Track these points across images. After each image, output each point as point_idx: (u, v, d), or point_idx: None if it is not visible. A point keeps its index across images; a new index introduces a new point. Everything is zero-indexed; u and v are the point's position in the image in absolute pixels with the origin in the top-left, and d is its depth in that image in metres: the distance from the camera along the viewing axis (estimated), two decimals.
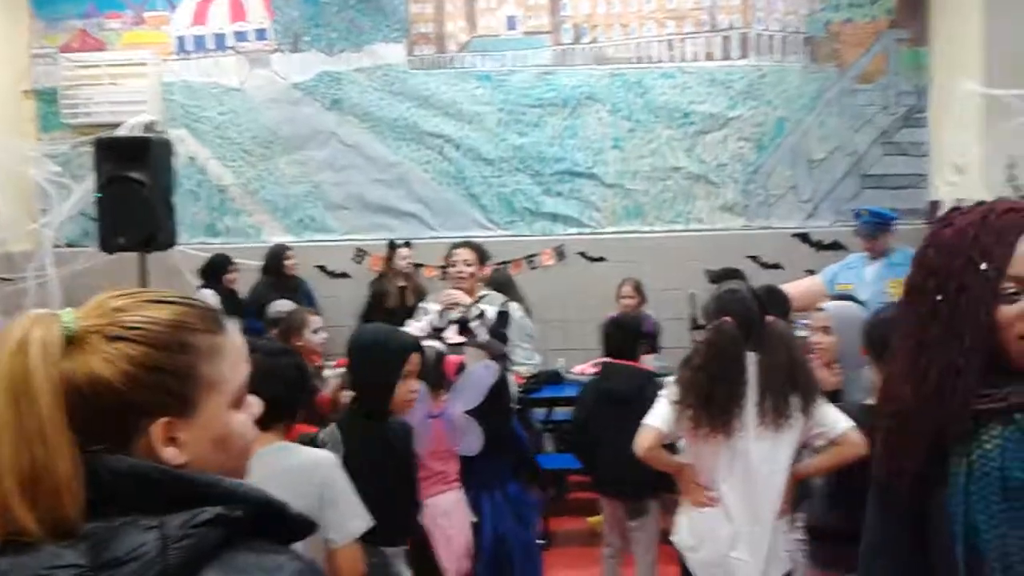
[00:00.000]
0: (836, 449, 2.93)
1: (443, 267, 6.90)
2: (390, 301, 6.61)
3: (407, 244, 6.79)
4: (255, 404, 1.14)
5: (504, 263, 6.53)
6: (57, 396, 0.96)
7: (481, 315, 4.57)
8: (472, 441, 3.67)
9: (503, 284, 5.81)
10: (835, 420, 2.92)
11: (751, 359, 3.02)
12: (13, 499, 0.93)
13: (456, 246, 4.80)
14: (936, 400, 1.31)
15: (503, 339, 4.73)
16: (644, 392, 4.12)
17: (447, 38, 7.10)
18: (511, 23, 7.07)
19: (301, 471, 2.39)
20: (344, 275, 7.04)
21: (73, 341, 0.99)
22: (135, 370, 1.00)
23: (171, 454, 1.01)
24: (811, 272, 6.19)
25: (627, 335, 4.37)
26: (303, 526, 1.06)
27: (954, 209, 1.43)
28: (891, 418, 1.39)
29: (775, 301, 3.78)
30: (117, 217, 5.36)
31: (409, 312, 6.28)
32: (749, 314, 3.10)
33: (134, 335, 1.01)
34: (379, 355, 2.97)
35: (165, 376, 1.01)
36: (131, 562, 0.90)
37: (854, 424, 2.90)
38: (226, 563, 0.95)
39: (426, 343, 4.13)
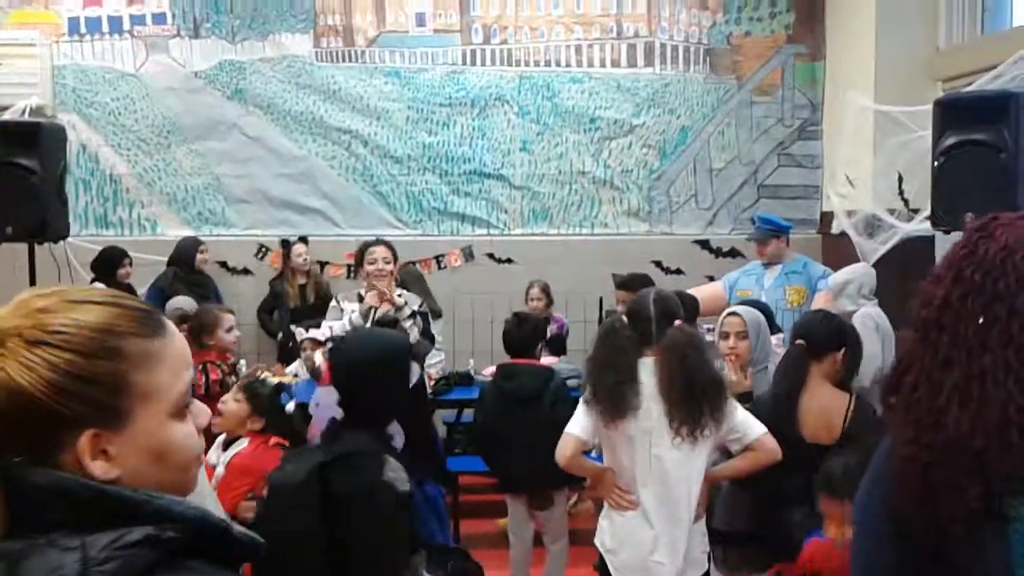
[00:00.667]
0: (751, 454, 3.02)
1: (350, 265, 6.85)
2: (291, 300, 6.50)
3: (303, 240, 6.66)
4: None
5: (412, 263, 6.47)
6: None
7: (414, 314, 4.54)
8: (394, 442, 3.63)
9: (414, 281, 5.79)
10: (749, 425, 3.01)
11: (647, 362, 3.08)
12: None
13: (370, 244, 4.72)
14: (1001, 437, 1.17)
15: (431, 339, 4.71)
16: (546, 389, 4.19)
17: (355, 31, 6.99)
18: (420, 20, 7.02)
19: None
20: (246, 271, 6.86)
21: None
22: (58, 378, 0.92)
23: (100, 468, 0.93)
24: (711, 278, 6.40)
25: (526, 333, 4.39)
26: (248, 548, 0.99)
27: (993, 218, 1.28)
28: (940, 452, 1.21)
29: (684, 307, 3.87)
30: (4, 205, 5.08)
31: (313, 310, 6.20)
32: (642, 316, 3.16)
33: (58, 340, 0.93)
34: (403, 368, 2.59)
35: (92, 386, 0.94)
36: None
37: (766, 430, 3.00)
38: None
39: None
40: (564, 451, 3.12)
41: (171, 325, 1.05)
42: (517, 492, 4.31)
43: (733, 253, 6.91)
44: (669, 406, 2.99)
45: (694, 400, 2.96)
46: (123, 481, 0.94)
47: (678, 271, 6.87)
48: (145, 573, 0.88)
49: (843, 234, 6.04)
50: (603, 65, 7.03)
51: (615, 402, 3.04)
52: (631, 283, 5.04)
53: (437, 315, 5.92)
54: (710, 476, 3.10)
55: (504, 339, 4.46)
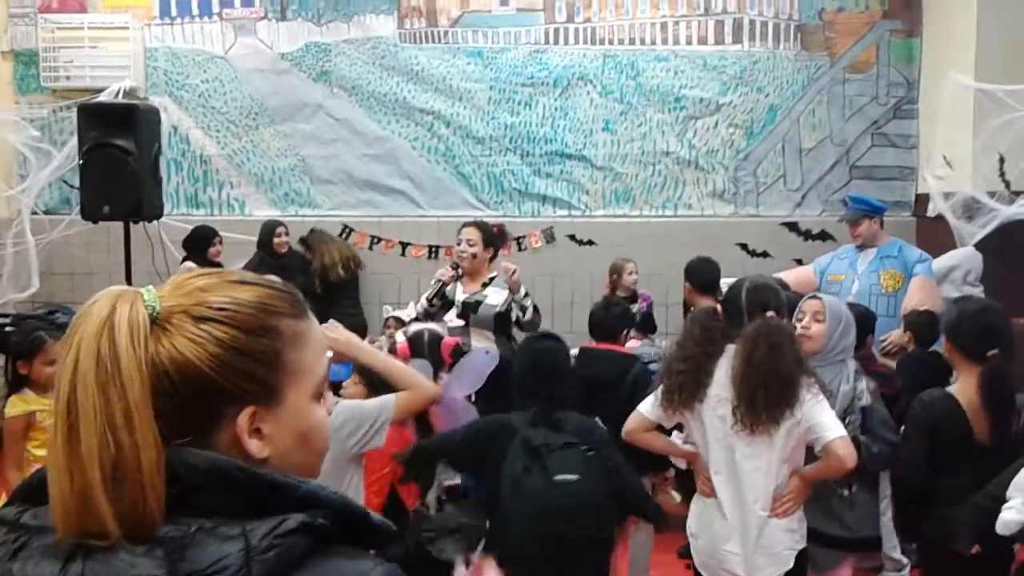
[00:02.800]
0: (821, 461, 2.93)
1: (431, 246, 6.89)
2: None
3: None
4: (331, 399, 1.08)
5: (497, 245, 6.45)
6: (145, 382, 0.89)
7: (474, 303, 4.50)
8: None
9: None
10: (825, 427, 2.88)
11: (731, 350, 3.01)
12: (96, 491, 0.86)
13: (464, 225, 4.70)
14: None
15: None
16: (625, 377, 4.13)
17: (439, 12, 6.99)
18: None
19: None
20: None
21: (157, 322, 0.93)
22: (224, 353, 0.93)
23: (256, 447, 0.95)
24: (799, 261, 6.24)
25: (614, 317, 4.33)
26: (384, 534, 0.99)
27: None
28: None
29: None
30: (101, 186, 5.23)
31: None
32: (735, 305, 3.10)
33: (222, 316, 0.95)
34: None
35: (253, 361, 0.95)
36: (214, 575, 0.85)
37: (844, 433, 2.89)
38: (311, 572, 0.89)
39: (420, 326, 4.10)
40: (626, 426, 3.18)
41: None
42: None
43: (823, 236, 6.72)
44: (735, 399, 2.92)
45: (755, 393, 2.88)
46: (271, 462, 0.96)
47: (764, 254, 6.72)
48: (300, 560, 0.89)
49: (939, 217, 5.82)
50: (689, 43, 6.88)
51: (684, 387, 3.02)
52: (693, 273, 4.94)
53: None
54: (800, 476, 3.02)
55: (590, 322, 4.41)
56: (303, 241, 6.62)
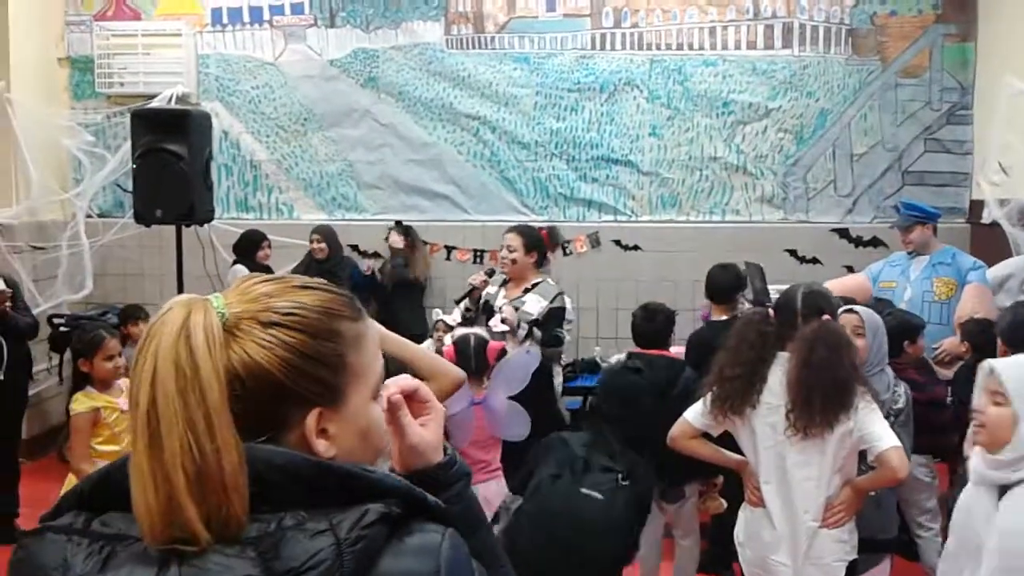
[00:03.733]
0: (877, 472, 2.87)
1: (476, 251, 6.91)
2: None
3: (398, 225, 6.73)
4: (384, 397, 1.12)
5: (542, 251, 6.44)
6: (223, 387, 0.91)
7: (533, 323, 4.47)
8: (519, 428, 3.64)
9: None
10: (878, 436, 2.83)
11: (783, 357, 2.96)
12: (182, 497, 0.88)
13: (508, 230, 4.70)
14: None
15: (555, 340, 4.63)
16: (676, 382, 4.08)
17: (485, 18, 7.01)
18: (550, 4, 6.97)
19: None
20: (376, 255, 6.98)
21: (227, 328, 0.96)
22: (292, 357, 0.96)
23: (323, 447, 0.98)
24: (850, 268, 6.16)
25: (657, 327, 4.29)
26: (439, 512, 1.02)
27: None
28: None
29: None
30: (154, 189, 5.33)
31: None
32: (788, 309, 3.06)
33: (289, 321, 0.98)
34: None
35: (319, 364, 0.98)
36: (310, 570, 0.87)
37: (897, 443, 2.83)
38: (392, 554, 0.92)
39: (466, 330, 4.11)
40: (671, 432, 3.16)
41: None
42: None
43: (874, 243, 6.60)
44: (790, 402, 2.87)
45: (811, 398, 2.83)
46: (336, 460, 0.99)
47: (814, 260, 6.62)
48: (382, 547, 0.92)
49: (994, 224, 5.70)
50: (738, 47, 6.82)
51: (734, 394, 2.99)
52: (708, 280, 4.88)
53: None
54: (853, 486, 2.96)
55: (633, 331, 4.38)
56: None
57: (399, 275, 6.49)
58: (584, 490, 2.89)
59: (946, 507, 3.01)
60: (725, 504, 3.92)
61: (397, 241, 6.64)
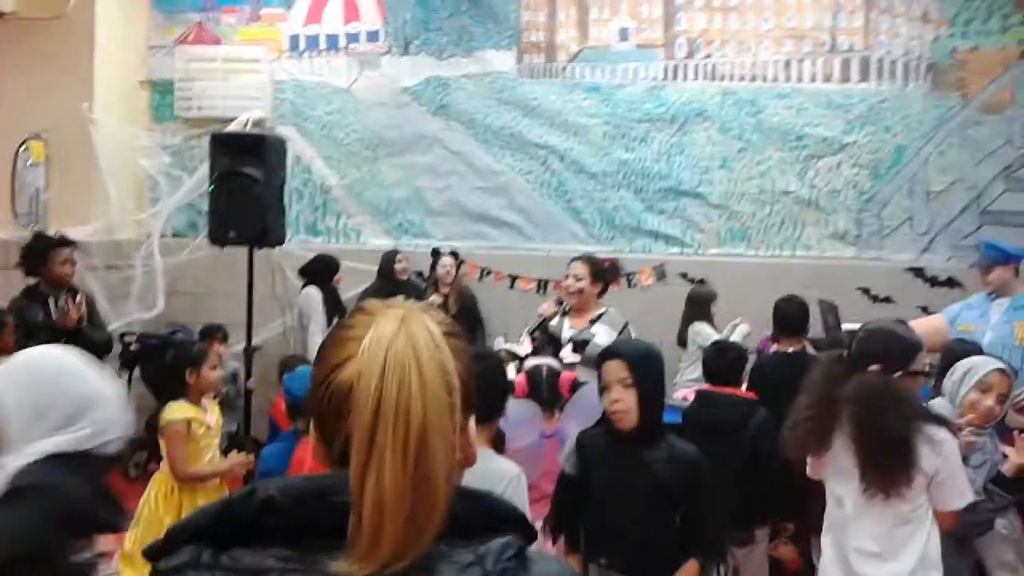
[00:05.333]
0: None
1: (540, 280, 6.88)
2: None
3: (452, 254, 6.66)
4: None
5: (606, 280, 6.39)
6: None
7: (581, 342, 4.43)
8: None
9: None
10: (946, 493, 2.74)
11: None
12: (437, 515, 0.90)
13: (573, 259, 4.66)
14: None
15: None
16: (748, 421, 3.99)
17: (558, 48, 7.03)
18: (623, 35, 6.97)
19: (491, 480, 2.36)
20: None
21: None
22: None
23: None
24: (924, 309, 5.97)
25: (728, 362, 4.21)
26: (535, 535, 1.05)
27: None
28: None
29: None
30: (229, 211, 5.43)
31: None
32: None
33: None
34: None
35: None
36: None
37: (962, 505, 2.72)
38: None
39: (538, 360, 4.06)
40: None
41: None
42: None
43: (951, 283, 6.41)
44: (859, 463, 2.76)
45: (874, 459, 2.72)
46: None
47: (887, 299, 6.45)
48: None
49: None
50: (813, 80, 6.72)
51: (811, 435, 2.88)
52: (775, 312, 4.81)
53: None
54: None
55: (704, 368, 4.31)
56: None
57: (472, 316, 6.53)
58: None
59: None
60: (796, 552, 3.80)
61: (449, 269, 6.55)
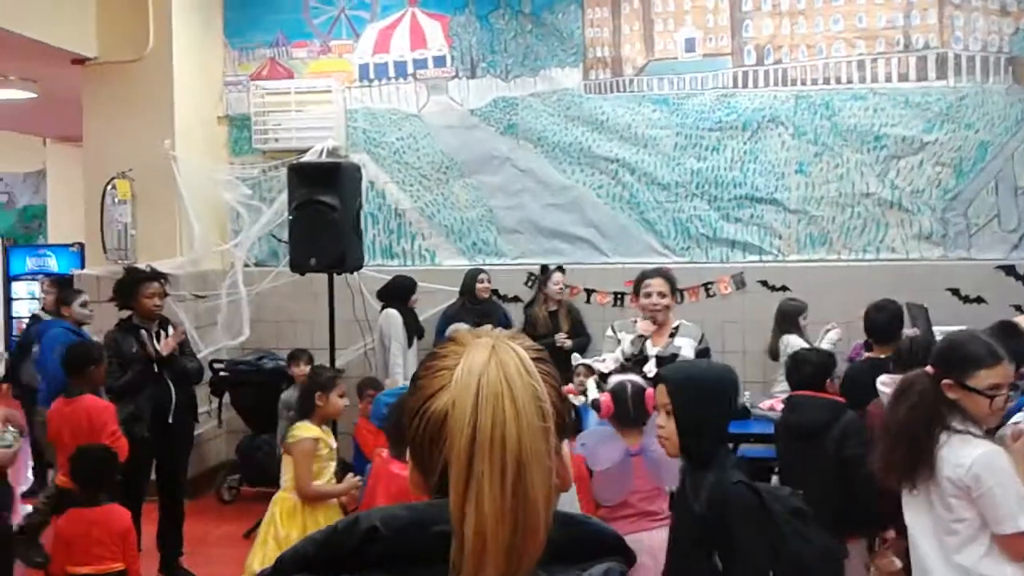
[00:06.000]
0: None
1: (617, 293, 6.84)
2: (539, 327, 6.52)
3: (560, 269, 6.71)
4: None
5: (681, 291, 6.33)
6: (550, 422, 0.96)
7: (670, 356, 4.38)
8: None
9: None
10: (999, 514, 2.54)
11: None
12: (540, 538, 0.90)
13: (647, 275, 4.60)
14: None
15: None
16: (833, 424, 3.90)
17: (624, 62, 7.02)
18: (690, 45, 6.92)
19: None
20: (516, 299, 7.02)
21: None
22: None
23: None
24: (1018, 308, 5.78)
25: (812, 370, 4.14)
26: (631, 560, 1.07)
27: None
28: None
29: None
30: (308, 239, 5.54)
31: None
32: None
33: (545, 355, 1.03)
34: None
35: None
36: None
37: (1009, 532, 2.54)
38: None
39: (623, 376, 4.03)
40: None
41: None
42: None
43: None
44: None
45: (894, 447, 2.70)
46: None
47: (979, 300, 6.25)
48: None
49: None
50: (888, 80, 6.57)
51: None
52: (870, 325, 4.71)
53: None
54: None
55: (787, 378, 4.27)
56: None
57: (582, 332, 6.58)
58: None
59: None
60: (899, 564, 3.67)
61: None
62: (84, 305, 6.11)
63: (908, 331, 4.69)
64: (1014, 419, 2.95)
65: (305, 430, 4.00)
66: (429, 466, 0.96)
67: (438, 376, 0.97)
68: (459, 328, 5.61)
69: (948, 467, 2.57)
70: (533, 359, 0.98)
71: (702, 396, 2.65)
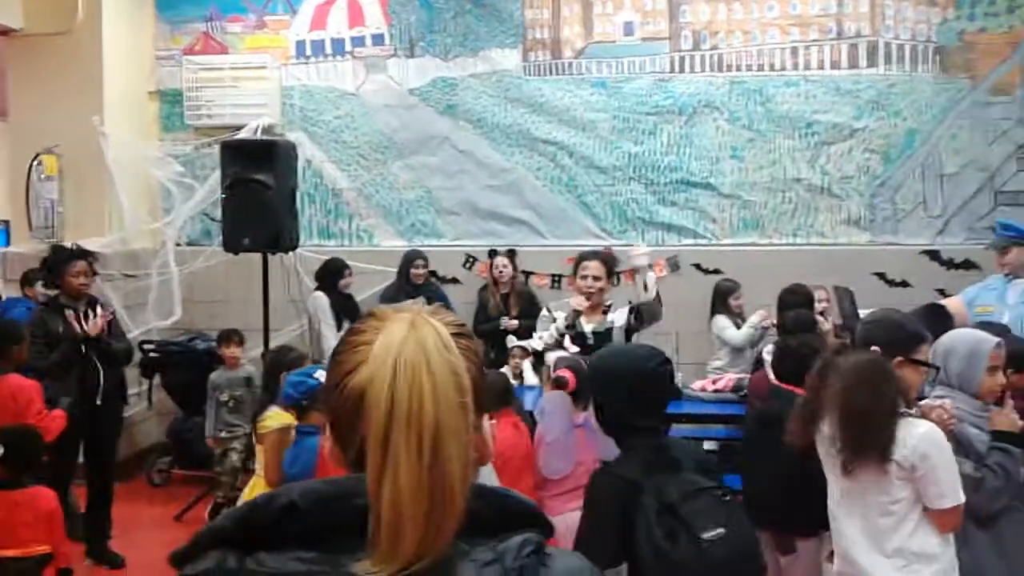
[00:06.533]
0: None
1: (554, 275, 6.88)
2: (492, 310, 6.54)
3: (507, 253, 6.68)
4: None
5: (617, 274, 6.39)
6: (467, 396, 0.95)
7: (605, 332, 4.43)
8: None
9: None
10: (937, 487, 2.61)
11: None
12: (456, 511, 0.90)
13: (585, 257, 4.65)
14: None
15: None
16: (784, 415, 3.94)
17: (563, 44, 7.03)
18: (628, 29, 6.96)
19: None
20: (455, 280, 7.02)
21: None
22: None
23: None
24: (941, 291, 5.96)
25: (791, 359, 4.13)
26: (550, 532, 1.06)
27: None
28: None
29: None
30: (242, 218, 5.46)
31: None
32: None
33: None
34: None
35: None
36: None
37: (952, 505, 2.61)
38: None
39: (559, 353, 4.08)
40: None
41: None
42: (758, 525, 3.94)
43: (967, 265, 6.39)
44: (840, 434, 2.73)
45: (850, 431, 2.68)
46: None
47: (904, 283, 6.43)
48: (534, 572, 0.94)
49: None
50: (821, 67, 6.70)
51: (799, 419, 2.91)
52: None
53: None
54: None
55: (774, 365, 4.31)
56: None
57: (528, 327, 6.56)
58: (706, 535, 2.36)
59: None
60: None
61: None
62: (46, 285, 5.90)
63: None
64: (934, 394, 3.04)
65: (274, 419, 3.84)
66: (348, 440, 0.97)
67: (357, 351, 0.97)
68: None
69: (897, 449, 2.60)
70: (453, 334, 0.98)
71: (606, 384, 2.71)
